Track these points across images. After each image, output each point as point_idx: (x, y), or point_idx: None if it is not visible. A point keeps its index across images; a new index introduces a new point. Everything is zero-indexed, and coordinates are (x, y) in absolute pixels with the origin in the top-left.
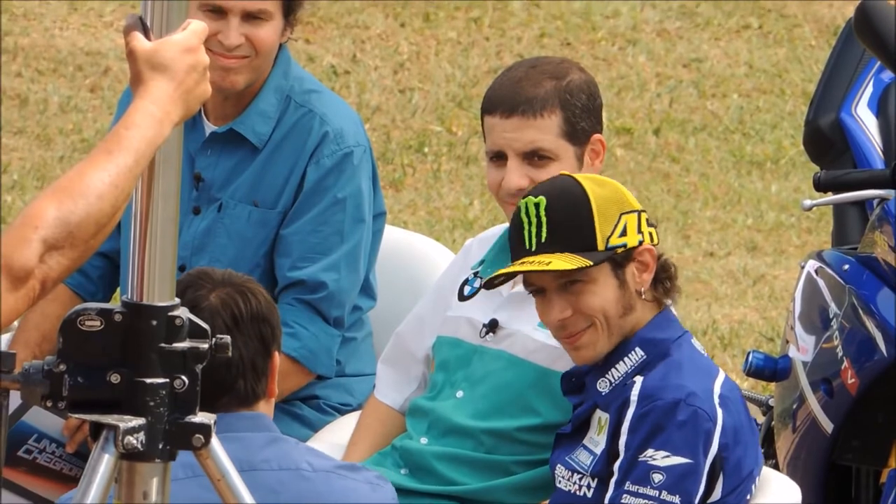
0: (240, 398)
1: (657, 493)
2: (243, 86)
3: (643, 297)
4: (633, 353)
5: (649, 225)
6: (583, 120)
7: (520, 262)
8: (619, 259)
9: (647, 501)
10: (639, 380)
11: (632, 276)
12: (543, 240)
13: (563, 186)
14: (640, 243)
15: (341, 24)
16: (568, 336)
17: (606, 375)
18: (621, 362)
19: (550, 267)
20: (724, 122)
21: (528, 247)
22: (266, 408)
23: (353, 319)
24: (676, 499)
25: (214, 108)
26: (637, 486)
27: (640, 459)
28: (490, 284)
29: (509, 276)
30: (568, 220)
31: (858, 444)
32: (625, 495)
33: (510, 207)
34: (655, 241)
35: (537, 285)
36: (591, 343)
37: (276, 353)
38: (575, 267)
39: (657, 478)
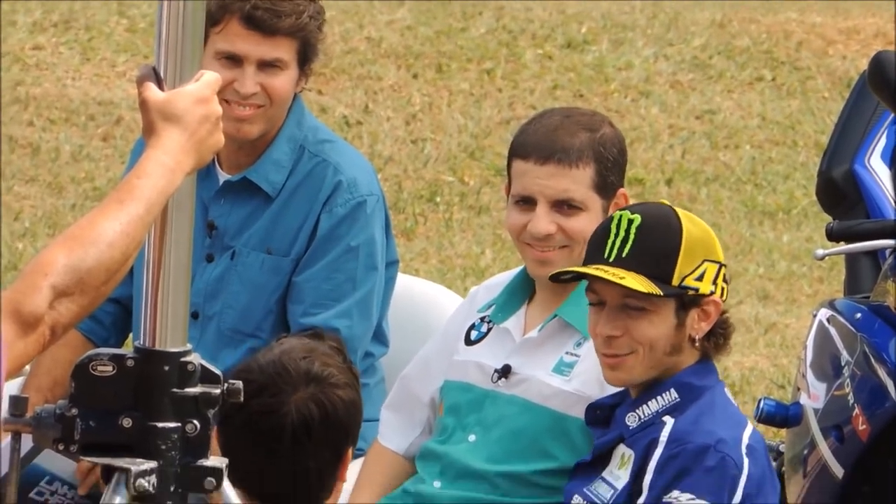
0: (302, 503)
1: None
2: (257, 135)
3: (695, 344)
4: (667, 393)
5: (725, 281)
6: (612, 174)
7: (594, 267)
8: (686, 300)
9: None
10: (669, 421)
11: (691, 321)
12: (624, 255)
13: (661, 213)
14: (711, 293)
15: (354, 75)
16: (609, 355)
17: (637, 411)
18: (654, 400)
19: (623, 282)
20: (736, 172)
21: (606, 256)
22: (333, 501)
23: (365, 366)
24: None
25: (228, 156)
26: None
27: (664, 500)
28: (556, 278)
29: (578, 276)
30: (654, 245)
31: (869, 491)
32: None
33: (529, 250)
34: (725, 297)
35: (600, 296)
36: (629, 368)
37: (350, 450)
38: (645, 290)
39: None
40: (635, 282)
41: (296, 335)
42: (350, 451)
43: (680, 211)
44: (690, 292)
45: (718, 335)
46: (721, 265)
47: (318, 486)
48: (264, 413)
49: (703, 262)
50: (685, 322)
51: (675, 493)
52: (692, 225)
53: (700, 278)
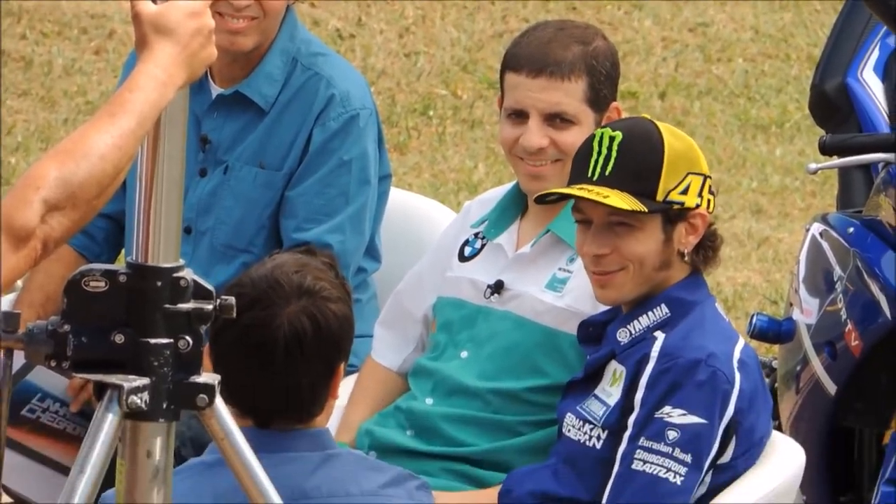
0: (294, 419)
1: (670, 449)
2: (251, 48)
3: (684, 258)
4: (657, 308)
5: (711, 193)
6: (605, 87)
7: (578, 187)
8: (672, 215)
9: (659, 457)
10: (660, 336)
11: (679, 235)
12: (608, 173)
13: (642, 128)
14: (697, 206)
15: None
16: (599, 273)
17: (628, 326)
18: (644, 316)
19: (607, 201)
20: (729, 86)
21: (589, 175)
22: (324, 417)
23: (357, 281)
24: (688, 457)
25: (221, 70)
26: (651, 442)
27: (656, 416)
28: (541, 200)
29: (563, 197)
30: (637, 162)
31: (861, 407)
32: (638, 450)
33: (521, 164)
34: (712, 209)
35: (586, 215)
36: (619, 285)
37: (342, 365)
38: (629, 208)
39: (672, 435)
40: (619, 200)
41: (288, 251)
42: (342, 367)
43: (661, 125)
44: (676, 206)
45: (707, 248)
46: (706, 177)
47: (310, 401)
48: (256, 326)
49: (686, 176)
50: (673, 237)
51: (667, 409)
52: (674, 138)
53: (685, 192)
